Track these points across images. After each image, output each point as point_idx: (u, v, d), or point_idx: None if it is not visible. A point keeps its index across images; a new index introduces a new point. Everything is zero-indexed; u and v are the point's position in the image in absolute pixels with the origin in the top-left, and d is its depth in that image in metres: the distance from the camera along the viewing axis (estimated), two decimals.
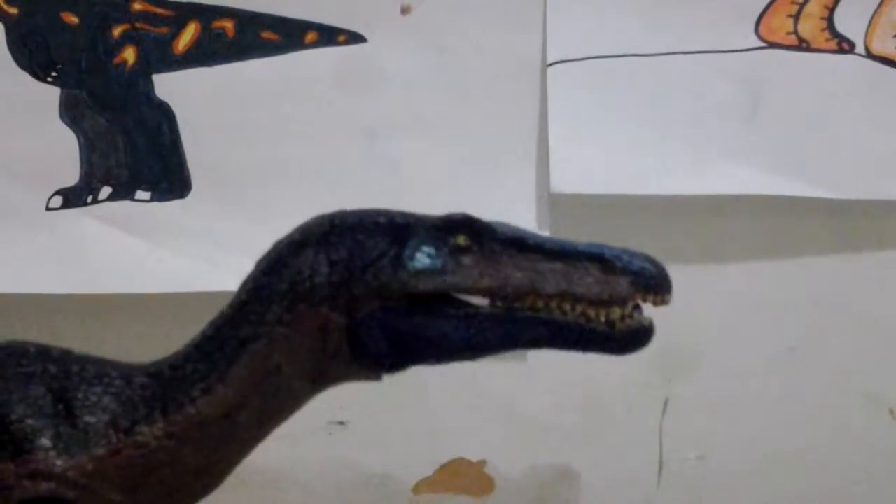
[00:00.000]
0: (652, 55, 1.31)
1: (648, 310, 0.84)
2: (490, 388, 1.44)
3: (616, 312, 0.81)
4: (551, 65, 1.31)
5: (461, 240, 0.83)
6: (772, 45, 1.32)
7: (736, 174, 1.35)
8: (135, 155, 1.31)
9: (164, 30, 1.28)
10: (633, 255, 0.82)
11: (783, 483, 1.49)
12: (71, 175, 1.31)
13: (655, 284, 0.81)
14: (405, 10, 1.29)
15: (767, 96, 1.33)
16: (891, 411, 1.49)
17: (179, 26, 1.28)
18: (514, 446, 1.46)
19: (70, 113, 1.29)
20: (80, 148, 1.30)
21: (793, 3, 1.31)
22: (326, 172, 1.32)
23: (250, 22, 1.28)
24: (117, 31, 1.27)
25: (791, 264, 1.44)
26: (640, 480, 1.48)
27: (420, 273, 0.82)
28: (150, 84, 1.29)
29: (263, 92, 1.30)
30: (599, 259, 0.81)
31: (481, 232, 0.83)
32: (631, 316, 0.82)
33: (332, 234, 0.86)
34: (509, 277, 0.81)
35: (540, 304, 0.81)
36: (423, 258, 0.83)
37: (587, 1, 1.30)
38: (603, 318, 0.81)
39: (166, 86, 1.29)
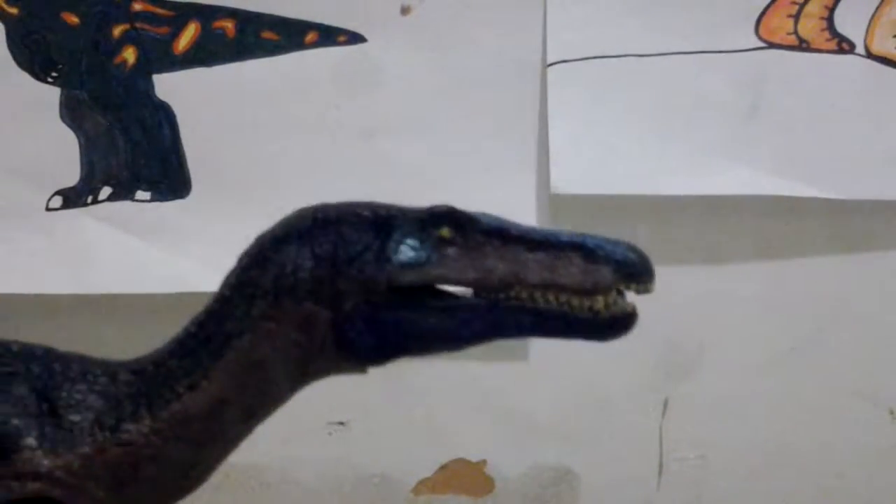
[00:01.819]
0: (652, 55, 1.31)
1: (633, 298, 0.84)
2: (490, 388, 1.43)
3: (599, 301, 0.80)
4: (551, 65, 1.31)
5: (445, 232, 0.82)
6: (772, 46, 1.32)
7: (736, 174, 1.35)
8: (135, 155, 1.31)
9: (165, 30, 1.28)
10: (615, 244, 0.81)
11: (783, 483, 1.49)
12: (71, 175, 1.31)
13: (637, 273, 0.80)
14: (405, 11, 1.29)
15: (767, 96, 1.33)
16: (891, 411, 1.49)
17: (179, 26, 1.28)
18: (514, 446, 1.46)
19: (70, 113, 1.29)
20: (81, 148, 1.30)
21: (793, 3, 1.32)
22: (326, 172, 1.32)
23: (250, 22, 1.28)
24: (117, 32, 1.27)
25: (791, 264, 1.44)
26: (640, 480, 1.48)
27: (404, 266, 0.82)
28: (151, 84, 1.29)
29: (263, 92, 1.30)
30: (581, 248, 0.80)
31: (465, 223, 0.82)
32: (615, 303, 0.82)
33: (315, 229, 0.85)
34: (493, 268, 0.81)
35: (524, 294, 0.81)
36: (407, 251, 0.82)
37: (587, 1, 1.30)
38: (587, 307, 0.81)
39: (166, 86, 1.29)
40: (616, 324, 0.83)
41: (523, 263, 0.81)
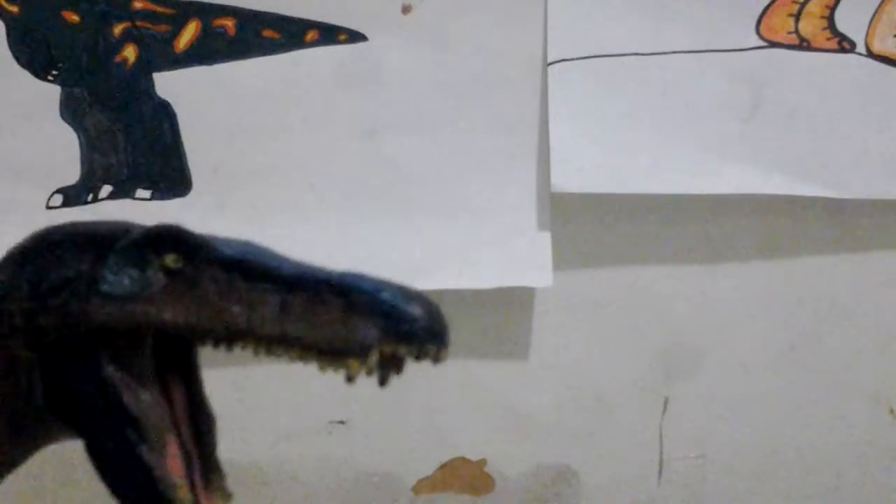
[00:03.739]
0: (652, 54, 1.31)
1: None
2: (490, 388, 1.43)
3: (354, 366, 0.61)
4: (552, 64, 1.31)
5: (170, 260, 0.65)
6: (773, 45, 1.32)
7: (736, 174, 1.35)
8: (135, 154, 1.31)
9: (165, 28, 1.28)
10: (390, 288, 0.61)
11: (783, 483, 1.49)
12: (71, 174, 1.30)
13: (414, 332, 0.60)
14: (406, 9, 1.29)
15: (768, 96, 1.33)
16: (891, 411, 1.49)
17: (180, 24, 1.27)
18: (514, 446, 1.46)
19: (70, 111, 1.29)
20: (81, 146, 1.30)
21: (794, 2, 1.31)
22: (326, 172, 1.32)
23: (251, 20, 1.27)
24: (118, 30, 1.27)
25: (791, 264, 1.44)
26: (641, 480, 1.48)
27: (110, 300, 0.64)
28: (151, 82, 1.29)
29: (264, 91, 1.29)
30: (342, 292, 0.61)
31: (195, 250, 0.66)
32: (380, 368, 0.61)
33: (34, 251, 0.68)
34: (221, 313, 0.62)
35: (261, 349, 0.63)
36: (116, 281, 0.65)
37: (588, 1, 1.30)
38: (338, 370, 0.61)
39: (167, 84, 1.29)
40: None
41: (262, 307, 0.62)
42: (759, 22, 1.31)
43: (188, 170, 1.31)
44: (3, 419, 0.68)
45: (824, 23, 1.32)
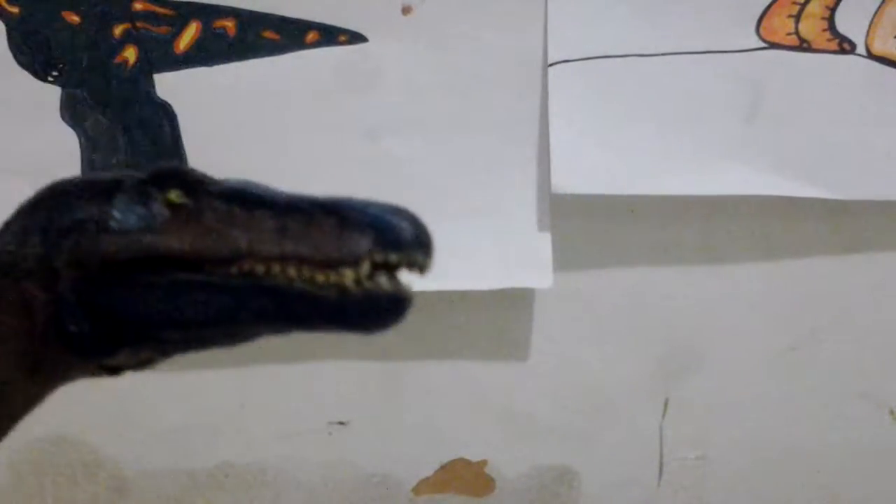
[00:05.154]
0: (653, 55, 1.31)
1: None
2: (490, 388, 1.44)
3: (347, 276, 0.66)
4: (552, 65, 1.31)
5: (173, 195, 0.70)
6: (773, 46, 1.32)
7: (736, 174, 1.35)
8: (135, 154, 1.31)
9: (165, 29, 1.28)
10: (378, 206, 0.67)
11: (783, 483, 1.49)
12: (71, 174, 1.30)
13: (400, 240, 0.65)
14: (406, 10, 1.29)
15: (768, 96, 1.33)
16: (891, 411, 1.49)
17: (180, 26, 1.27)
18: (514, 446, 1.46)
19: (71, 112, 1.29)
20: (81, 147, 1.30)
21: (794, 3, 1.32)
22: (326, 172, 1.32)
23: (251, 21, 1.27)
24: (118, 31, 1.27)
25: (791, 264, 1.44)
26: (640, 480, 1.48)
27: (119, 235, 0.70)
28: (151, 83, 1.29)
29: (264, 92, 1.29)
30: (334, 212, 0.66)
31: (196, 185, 0.70)
32: (371, 279, 0.66)
33: (44, 200, 0.74)
34: (223, 237, 0.68)
35: (260, 268, 0.67)
36: (123, 218, 0.70)
37: (588, 1, 1.30)
38: (333, 283, 0.66)
39: (167, 85, 1.29)
40: (372, 307, 0.66)
41: (261, 230, 0.67)
42: (759, 23, 1.31)
43: None
44: (21, 359, 0.73)
45: (824, 24, 1.32)
